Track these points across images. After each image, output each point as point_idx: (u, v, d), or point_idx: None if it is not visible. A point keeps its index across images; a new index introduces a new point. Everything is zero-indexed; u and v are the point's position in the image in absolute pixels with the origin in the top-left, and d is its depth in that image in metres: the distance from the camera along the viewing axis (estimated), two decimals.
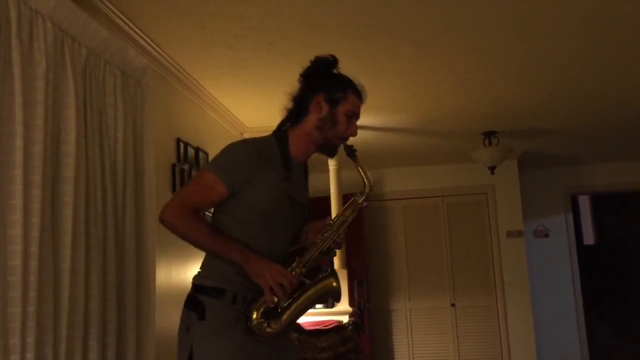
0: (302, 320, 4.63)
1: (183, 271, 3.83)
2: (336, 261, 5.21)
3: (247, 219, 1.96)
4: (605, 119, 5.44)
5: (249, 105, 4.64)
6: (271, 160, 1.99)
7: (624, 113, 5.25)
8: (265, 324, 1.87)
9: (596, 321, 7.79)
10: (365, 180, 2.08)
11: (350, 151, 2.07)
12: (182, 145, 3.94)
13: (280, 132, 2.08)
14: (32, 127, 2.26)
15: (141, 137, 3.09)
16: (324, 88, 2.05)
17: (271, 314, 1.89)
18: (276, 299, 1.86)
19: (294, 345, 2.20)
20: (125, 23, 3.13)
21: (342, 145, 2.09)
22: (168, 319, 3.43)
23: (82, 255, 2.50)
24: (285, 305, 1.90)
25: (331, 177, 5.29)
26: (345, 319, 4.91)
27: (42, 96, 2.30)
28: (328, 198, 5.23)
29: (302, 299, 1.94)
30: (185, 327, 1.92)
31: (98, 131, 2.73)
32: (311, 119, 2.04)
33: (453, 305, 6.60)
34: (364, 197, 2.08)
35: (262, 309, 1.88)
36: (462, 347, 6.51)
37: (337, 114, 2.04)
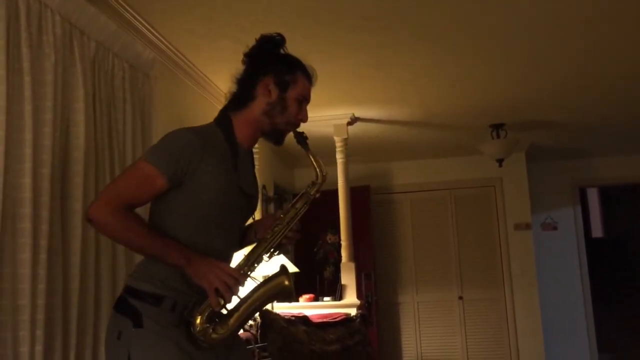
0: (310, 313, 4.66)
1: None
2: (343, 254, 5.21)
3: (192, 214, 1.75)
4: (613, 112, 5.41)
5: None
6: (216, 148, 1.78)
7: (633, 106, 5.22)
8: (211, 330, 1.68)
9: (604, 314, 7.77)
10: (318, 170, 1.88)
11: (301, 138, 1.87)
12: None
13: (223, 118, 1.89)
14: (42, 121, 2.27)
15: (149, 130, 3.11)
16: (272, 70, 1.85)
17: (217, 318, 1.70)
18: (222, 302, 1.67)
19: (242, 344, 2.00)
20: (133, 16, 3.13)
21: (292, 132, 1.90)
22: None
23: (92, 247, 2.52)
24: (233, 308, 1.72)
25: (339, 170, 5.28)
26: (353, 311, 4.92)
27: (51, 90, 2.31)
28: (336, 191, 5.23)
29: (251, 300, 1.74)
30: (115, 332, 1.70)
31: (107, 124, 2.74)
32: (259, 104, 1.85)
33: (461, 298, 6.60)
34: (316, 188, 1.89)
35: (206, 313, 1.68)
36: (470, 340, 6.52)
37: (287, 98, 1.85)
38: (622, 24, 3.51)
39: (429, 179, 6.81)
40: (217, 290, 1.66)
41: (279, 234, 1.83)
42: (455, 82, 4.47)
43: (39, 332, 2.16)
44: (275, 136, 1.90)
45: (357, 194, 5.93)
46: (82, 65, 2.52)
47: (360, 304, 5.12)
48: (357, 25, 3.39)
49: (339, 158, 5.31)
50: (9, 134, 2.13)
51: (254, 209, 1.96)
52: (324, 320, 4.58)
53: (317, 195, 1.90)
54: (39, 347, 2.15)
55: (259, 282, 1.77)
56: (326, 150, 5.20)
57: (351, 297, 5.07)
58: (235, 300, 1.73)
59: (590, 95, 4.90)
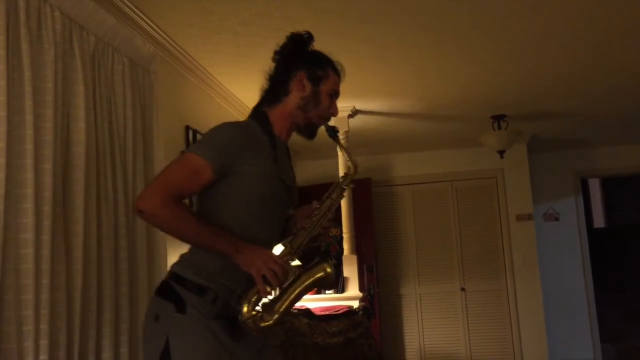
0: (313, 305, 4.67)
1: None
2: (345, 247, 5.22)
3: (237, 205, 1.81)
4: (615, 102, 5.40)
5: (257, 92, 4.59)
6: (257, 141, 1.86)
7: (635, 96, 5.21)
8: (259, 317, 1.73)
9: (606, 304, 7.78)
10: (350, 162, 1.98)
11: (333, 132, 1.97)
12: (191, 132, 3.95)
13: (259, 113, 1.97)
14: (42, 116, 2.28)
15: (150, 124, 3.11)
16: (305, 66, 1.94)
17: (263, 305, 1.75)
18: (269, 289, 1.72)
19: (276, 339, 2.07)
20: (133, 11, 3.13)
21: (324, 126, 1.99)
22: None
23: (94, 242, 2.52)
24: (277, 296, 1.78)
25: (340, 163, 5.28)
26: (355, 304, 4.93)
27: (51, 85, 2.32)
28: (330, 186, 5.22)
29: (295, 287, 1.79)
30: (153, 315, 1.76)
31: (107, 119, 2.74)
32: (293, 98, 1.94)
33: (463, 289, 6.61)
34: (349, 179, 1.98)
35: (253, 301, 1.74)
36: (472, 331, 6.53)
37: (319, 92, 1.94)
38: (623, 14, 3.50)
39: (430, 170, 6.81)
40: (264, 278, 1.70)
41: (318, 224, 1.89)
42: (456, 73, 4.46)
43: (44, 327, 2.17)
44: (309, 129, 1.99)
45: (359, 187, 5.89)
46: (81, 60, 2.52)
47: (363, 296, 5.13)
48: (358, 17, 3.38)
49: (340, 150, 5.30)
50: (10, 129, 2.13)
51: (294, 201, 2.02)
52: (327, 312, 4.59)
53: (351, 186, 1.98)
54: (43, 342, 2.16)
55: (300, 271, 1.82)
56: (327, 143, 5.18)
57: (353, 289, 5.08)
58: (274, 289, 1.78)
59: (591, 86, 4.89)
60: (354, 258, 5.17)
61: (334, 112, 1.99)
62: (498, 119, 5.63)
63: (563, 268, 7.14)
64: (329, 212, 1.91)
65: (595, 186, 10.08)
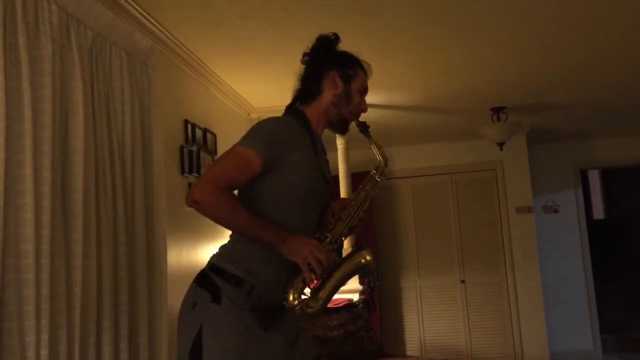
0: None
1: (194, 252, 3.85)
2: (345, 240, 5.21)
3: (280, 196, 1.90)
4: (615, 93, 5.39)
5: (256, 85, 4.62)
6: (300, 136, 1.95)
7: (634, 87, 5.20)
8: (305, 304, 1.84)
9: (606, 296, 7.80)
10: (380, 156, 2.09)
11: (364, 127, 2.09)
12: (189, 126, 3.94)
13: (295, 110, 2.06)
14: (40, 111, 2.27)
15: (149, 119, 3.10)
16: (336, 65, 2.05)
17: (305, 293, 1.86)
18: (314, 277, 1.81)
19: (309, 334, 2.14)
20: (130, 4, 3.11)
21: (355, 122, 2.10)
22: (180, 298, 3.46)
23: (94, 237, 2.52)
24: (320, 284, 1.87)
25: (339, 156, 5.28)
26: (355, 297, 4.93)
27: (49, 79, 2.31)
28: (337, 178, 5.22)
29: (336, 275, 1.89)
30: (191, 303, 1.85)
31: (106, 114, 2.73)
32: (326, 96, 2.04)
33: (463, 281, 6.62)
34: (380, 172, 2.08)
35: (299, 288, 1.84)
36: (472, 323, 6.54)
37: (351, 90, 2.05)
38: (625, 5, 3.48)
39: (429, 163, 6.80)
40: (309, 265, 1.79)
41: (355, 214, 1.99)
42: (456, 66, 4.45)
43: (44, 322, 2.17)
44: (341, 125, 2.10)
45: (358, 180, 5.89)
46: (79, 54, 2.51)
47: (363, 289, 5.13)
48: (357, 10, 3.37)
49: (339, 144, 5.30)
50: (8, 125, 2.13)
51: (331, 193, 2.10)
52: (327, 306, 4.60)
53: (383, 178, 2.08)
54: (44, 336, 2.17)
55: (339, 260, 1.92)
56: (326, 136, 5.18)
57: (353, 282, 5.08)
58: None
59: (591, 77, 4.88)
60: None
61: (365, 108, 2.12)
62: (497, 111, 5.63)
63: (563, 260, 7.15)
64: (364, 204, 2.02)
65: (594, 178, 10.08)
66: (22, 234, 2.15)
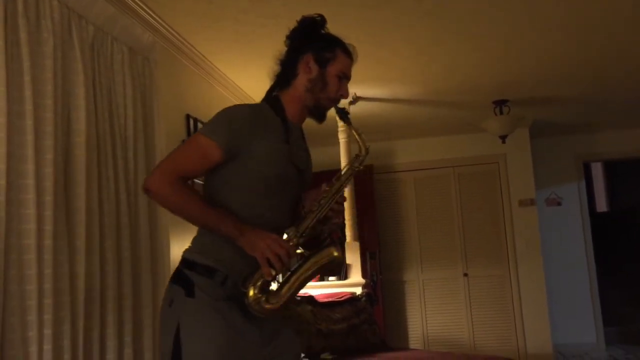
0: (316, 292, 4.69)
1: None
2: (348, 233, 5.22)
3: (246, 185, 1.83)
4: (618, 86, 5.38)
5: (257, 79, 4.61)
6: (269, 123, 1.86)
7: (637, 79, 5.18)
8: (264, 299, 1.75)
9: (609, 288, 7.79)
10: (361, 143, 1.96)
11: (343, 114, 1.97)
12: (191, 120, 3.94)
13: (271, 97, 1.98)
14: (42, 106, 2.27)
15: (151, 113, 3.10)
16: (312, 48, 1.94)
17: (268, 288, 1.77)
18: (274, 272, 1.72)
19: (292, 328, 2.05)
20: None
21: (334, 108, 1.98)
22: None
23: (97, 232, 2.53)
24: (284, 279, 1.79)
25: (341, 150, 5.27)
26: (358, 290, 4.94)
27: (50, 75, 2.31)
28: (338, 171, 5.22)
29: (301, 270, 1.81)
30: (168, 300, 1.80)
31: (108, 108, 2.73)
32: (301, 81, 1.93)
33: (465, 275, 6.61)
34: (360, 161, 1.96)
35: (259, 284, 1.75)
36: (475, 317, 6.54)
37: (326, 74, 1.93)
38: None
39: (432, 157, 6.79)
40: (268, 261, 1.71)
41: (326, 207, 1.87)
42: (458, 59, 4.44)
43: (47, 317, 2.18)
44: (318, 112, 1.97)
45: (360, 174, 5.90)
46: (81, 49, 2.51)
47: (366, 282, 5.14)
48: (358, 2, 3.36)
49: (342, 138, 5.30)
50: (10, 120, 2.13)
51: (308, 184, 2.02)
52: (330, 299, 4.61)
53: (361, 167, 1.96)
54: (47, 331, 2.18)
55: (307, 254, 1.83)
56: (328, 130, 5.17)
57: (356, 276, 5.09)
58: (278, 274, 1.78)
59: (594, 70, 4.86)
60: (357, 245, 5.17)
61: (344, 95, 1.99)
62: (500, 104, 5.61)
63: (566, 252, 7.15)
64: (337, 195, 1.90)
65: (597, 170, 10.06)
66: (25, 229, 2.16)
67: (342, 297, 4.69)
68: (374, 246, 6.23)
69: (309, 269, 1.82)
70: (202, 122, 4.07)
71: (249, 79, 4.62)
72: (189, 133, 3.88)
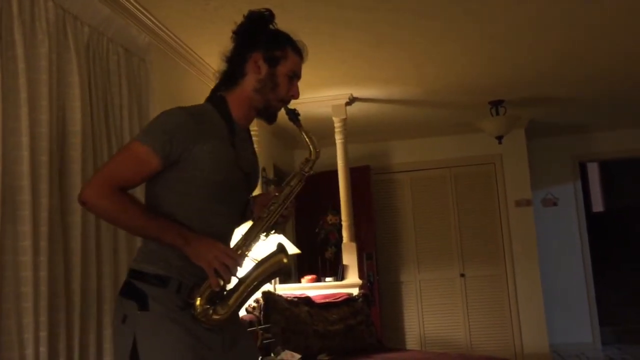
0: (313, 293, 4.68)
1: None
2: (345, 234, 5.22)
3: (190, 192, 1.73)
4: (613, 86, 5.39)
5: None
6: (212, 126, 1.76)
7: (633, 79, 5.19)
8: (211, 311, 1.67)
9: (605, 288, 7.80)
10: (311, 147, 1.87)
11: (293, 115, 1.86)
12: None
13: (216, 97, 1.87)
14: (37, 108, 2.27)
15: (146, 114, 3.09)
16: (261, 46, 1.83)
17: (217, 298, 1.69)
18: (222, 282, 1.65)
19: (246, 329, 1.98)
20: (127, 0, 3.10)
21: (284, 109, 1.88)
22: None
23: (92, 233, 2.52)
24: (232, 288, 1.71)
25: (338, 151, 5.27)
26: (355, 291, 4.94)
27: (46, 76, 2.30)
28: (335, 172, 5.22)
29: (250, 279, 1.73)
30: (120, 316, 1.69)
31: (103, 110, 2.73)
32: (249, 81, 1.83)
33: (462, 275, 6.62)
34: (309, 165, 1.87)
35: (206, 294, 1.67)
36: (472, 317, 6.55)
37: (277, 74, 1.83)
38: None
39: (428, 157, 6.80)
40: (216, 271, 1.64)
41: (275, 213, 1.81)
42: (454, 59, 4.44)
43: (43, 319, 2.17)
44: (268, 113, 1.88)
45: (357, 174, 5.92)
46: (76, 50, 2.51)
47: (362, 283, 5.14)
48: (353, 4, 3.36)
49: (338, 139, 5.29)
50: (5, 121, 2.12)
51: (254, 187, 1.95)
52: (327, 300, 4.61)
53: (311, 172, 1.88)
54: (43, 333, 2.16)
55: (257, 262, 1.75)
56: (325, 131, 5.19)
57: (353, 277, 5.09)
58: (233, 281, 1.72)
59: (589, 70, 4.87)
60: (354, 246, 5.17)
61: (295, 95, 1.88)
62: (496, 104, 5.62)
63: (562, 253, 7.16)
64: (287, 201, 1.83)
65: (593, 170, 10.07)
66: (20, 231, 2.15)
67: (339, 298, 4.69)
68: (370, 247, 6.23)
69: (259, 277, 1.74)
70: None
71: None
72: None
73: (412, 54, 4.27)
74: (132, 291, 1.70)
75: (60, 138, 2.40)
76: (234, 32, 1.88)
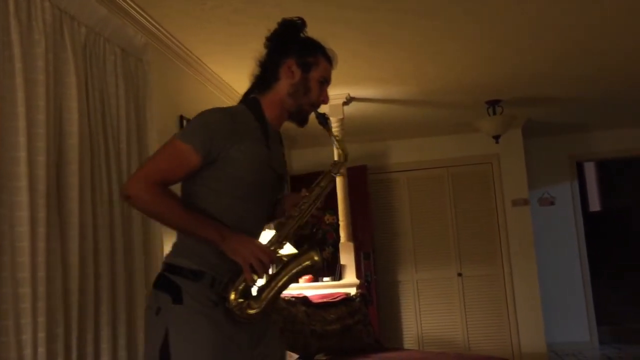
0: (310, 293, 4.68)
1: None
2: (342, 234, 5.23)
3: (225, 190, 1.80)
4: (610, 85, 5.40)
5: (250, 80, 4.61)
6: (248, 127, 1.84)
7: (629, 79, 5.20)
8: (246, 305, 1.74)
9: (603, 288, 7.83)
10: (340, 149, 1.98)
11: (323, 119, 1.96)
12: (185, 122, 3.93)
13: (250, 99, 1.95)
14: (35, 108, 2.26)
15: (144, 115, 3.09)
16: (295, 52, 1.92)
17: (250, 293, 1.76)
18: (256, 278, 1.73)
19: (276, 328, 2.05)
20: (124, 0, 3.10)
21: (314, 113, 1.97)
22: None
23: (90, 234, 2.52)
24: (265, 283, 1.79)
25: (335, 151, 5.27)
26: (352, 291, 4.94)
27: (43, 77, 2.30)
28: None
29: (282, 275, 1.81)
30: (154, 308, 1.75)
31: (100, 110, 2.72)
32: (283, 85, 1.92)
33: (460, 274, 6.63)
34: (338, 167, 1.97)
35: (240, 289, 1.74)
36: (470, 316, 6.56)
37: (309, 79, 1.92)
38: None
39: (425, 157, 6.80)
40: (250, 266, 1.71)
41: (307, 212, 1.88)
42: (450, 59, 4.45)
43: (41, 319, 2.17)
44: (300, 117, 1.97)
45: (354, 174, 5.93)
46: (73, 51, 2.50)
47: (360, 283, 5.14)
48: (351, 4, 3.36)
49: (331, 138, 5.29)
50: (2, 121, 2.12)
51: (283, 188, 2.02)
52: (324, 300, 4.61)
53: (340, 174, 1.98)
54: (41, 334, 2.16)
55: (289, 258, 1.83)
56: (322, 130, 5.18)
57: (350, 276, 5.10)
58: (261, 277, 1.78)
59: (586, 70, 4.88)
60: (351, 245, 5.17)
61: (325, 100, 1.98)
62: (493, 104, 5.63)
63: (559, 252, 7.18)
64: (317, 201, 1.90)
65: (590, 170, 10.09)
66: (18, 231, 2.14)
67: (336, 297, 4.69)
68: (368, 246, 6.23)
69: (290, 273, 1.82)
70: None
71: (242, 80, 4.58)
72: None
73: (410, 53, 4.27)
74: (167, 284, 1.76)
75: (57, 138, 2.40)
76: (267, 39, 1.97)
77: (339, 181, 5.22)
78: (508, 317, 6.52)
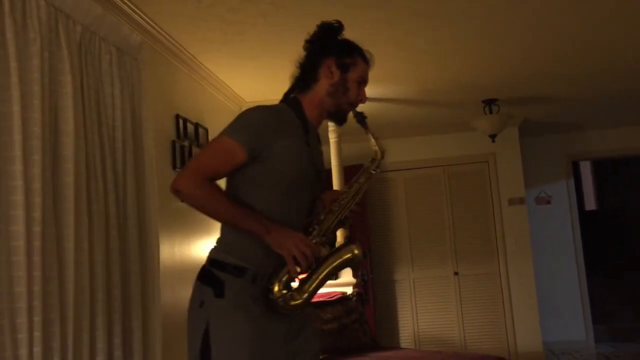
0: None
1: (186, 247, 3.84)
2: (338, 233, 5.21)
3: (268, 185, 1.89)
4: (606, 85, 5.41)
5: (247, 79, 4.61)
6: (290, 125, 1.93)
7: (626, 78, 5.21)
8: (289, 296, 1.83)
9: (598, 286, 7.84)
10: (377, 147, 2.05)
11: (361, 117, 2.05)
12: (181, 121, 3.92)
13: (291, 98, 2.03)
14: (30, 107, 2.25)
15: (139, 114, 3.08)
16: (334, 53, 2.00)
17: (292, 286, 1.86)
18: (299, 269, 1.81)
19: (312, 320, 2.12)
20: None
21: (351, 112, 2.06)
22: (172, 293, 3.45)
23: (85, 233, 2.51)
24: (307, 276, 1.87)
25: (332, 150, 5.27)
26: (349, 290, 4.94)
27: (38, 75, 2.29)
28: (329, 171, 5.22)
29: (323, 267, 1.89)
30: (197, 301, 1.85)
31: (96, 109, 2.72)
32: (322, 85, 2.00)
33: (456, 273, 6.64)
34: (376, 164, 2.04)
35: (284, 281, 1.84)
36: (466, 315, 6.57)
37: (348, 80, 2.00)
38: None
39: (422, 156, 6.81)
40: (294, 258, 1.79)
41: (346, 207, 1.96)
42: (447, 58, 4.45)
43: (37, 319, 2.16)
44: (339, 116, 2.05)
45: (351, 174, 5.91)
46: (68, 49, 2.49)
47: (356, 282, 5.14)
48: (347, 2, 3.36)
49: (332, 138, 5.30)
50: None
51: (323, 184, 2.08)
52: (321, 299, 4.61)
53: (378, 171, 2.04)
54: (37, 334, 2.16)
55: (330, 252, 1.91)
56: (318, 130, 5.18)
57: (347, 275, 5.09)
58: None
59: (582, 69, 4.89)
60: None
61: (363, 99, 2.06)
62: (489, 103, 5.64)
63: (555, 251, 7.19)
64: (356, 196, 1.98)
65: (586, 169, 10.12)
66: (13, 230, 2.14)
67: (332, 296, 4.69)
68: (364, 245, 6.23)
69: (331, 266, 1.90)
70: (191, 123, 4.06)
71: (238, 79, 4.61)
72: (178, 133, 3.87)
73: (406, 53, 4.27)
74: (211, 278, 1.85)
75: (52, 137, 2.39)
76: (307, 41, 2.05)
77: (336, 181, 5.22)
78: (504, 316, 6.53)
